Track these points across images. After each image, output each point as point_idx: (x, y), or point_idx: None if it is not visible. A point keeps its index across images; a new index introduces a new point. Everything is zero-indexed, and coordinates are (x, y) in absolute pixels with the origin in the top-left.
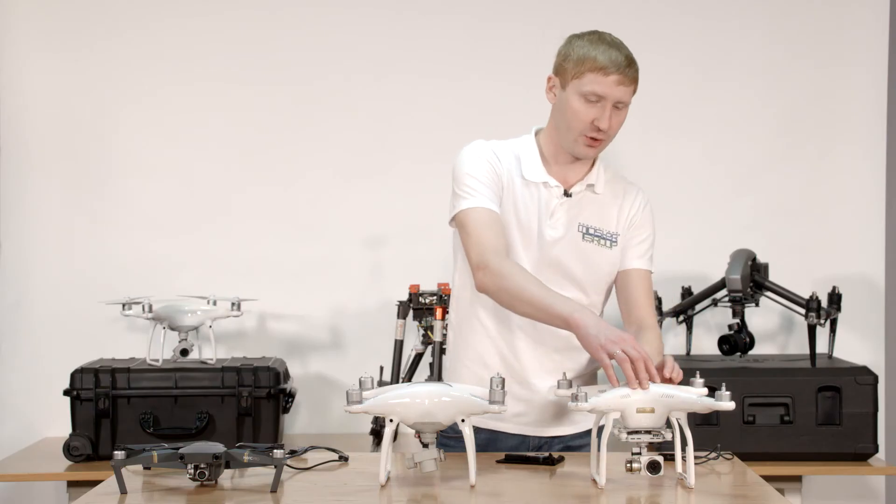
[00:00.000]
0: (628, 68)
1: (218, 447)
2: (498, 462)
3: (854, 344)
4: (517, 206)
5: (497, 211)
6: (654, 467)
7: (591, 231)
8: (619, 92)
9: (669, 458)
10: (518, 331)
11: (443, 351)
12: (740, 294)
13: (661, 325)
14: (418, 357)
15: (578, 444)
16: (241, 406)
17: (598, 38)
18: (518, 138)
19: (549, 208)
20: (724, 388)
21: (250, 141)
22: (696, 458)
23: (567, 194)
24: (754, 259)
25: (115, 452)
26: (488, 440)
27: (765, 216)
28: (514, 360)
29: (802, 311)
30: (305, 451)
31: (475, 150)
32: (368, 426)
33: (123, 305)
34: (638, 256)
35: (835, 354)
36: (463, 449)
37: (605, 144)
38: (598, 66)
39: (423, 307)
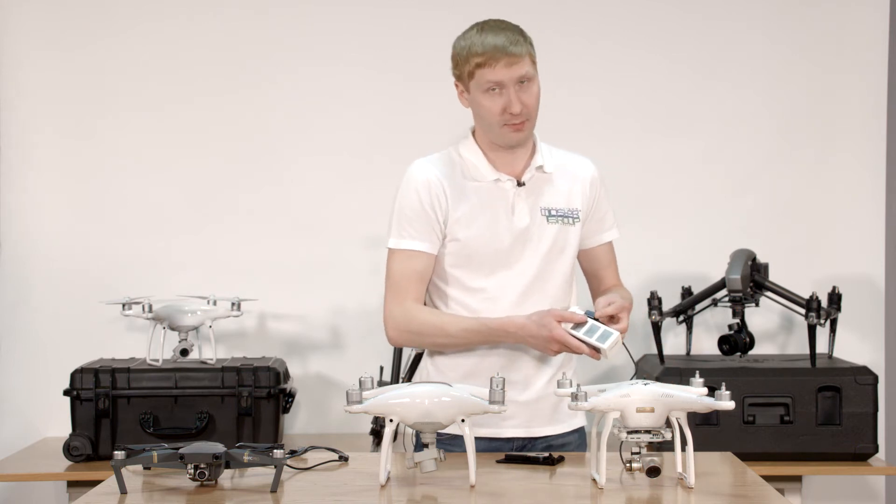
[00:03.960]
0: (512, 47)
1: (218, 447)
2: (498, 462)
3: (854, 344)
4: (480, 208)
5: (423, 248)
6: (652, 472)
7: (554, 212)
8: (513, 72)
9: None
10: None
11: None
12: (740, 294)
13: (661, 326)
14: (418, 357)
15: (561, 443)
16: (241, 406)
17: (476, 30)
18: (458, 144)
19: (509, 202)
20: (723, 387)
21: (251, 141)
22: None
23: (520, 184)
24: (754, 259)
25: (115, 452)
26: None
27: (765, 216)
28: (497, 362)
29: (802, 311)
30: (305, 451)
31: (409, 183)
32: (368, 426)
33: (123, 305)
34: (607, 229)
35: (835, 354)
36: (461, 449)
37: (532, 123)
38: (482, 61)
39: None
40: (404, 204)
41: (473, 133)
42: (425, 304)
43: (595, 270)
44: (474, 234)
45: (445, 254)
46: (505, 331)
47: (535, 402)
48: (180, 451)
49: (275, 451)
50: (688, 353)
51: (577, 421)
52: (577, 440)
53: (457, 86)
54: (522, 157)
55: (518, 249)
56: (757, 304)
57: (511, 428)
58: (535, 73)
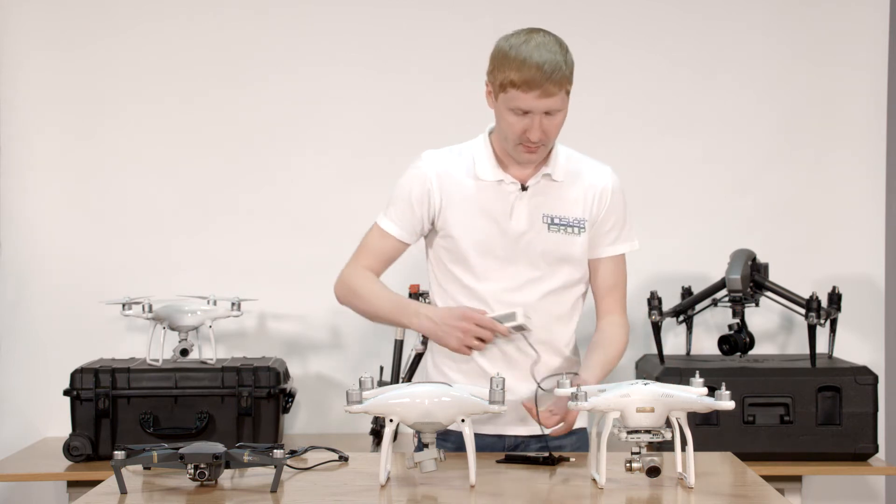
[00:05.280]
0: (551, 78)
1: (218, 447)
2: (498, 462)
3: (854, 344)
4: (478, 207)
5: (395, 233)
6: (652, 472)
7: (557, 221)
8: (544, 104)
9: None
10: None
11: None
12: (740, 294)
13: (661, 326)
14: (418, 357)
15: (557, 444)
16: (241, 406)
17: (524, 41)
18: (473, 139)
19: (509, 205)
20: (723, 387)
21: (251, 141)
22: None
23: (524, 188)
24: (754, 259)
25: (115, 452)
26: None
27: (765, 216)
28: (486, 363)
29: (802, 311)
30: (305, 451)
31: (410, 171)
32: (368, 426)
33: (123, 305)
34: (608, 244)
35: (835, 354)
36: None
37: (547, 148)
38: (518, 82)
39: None
40: (400, 187)
41: (490, 133)
42: (433, 295)
43: (595, 287)
44: (465, 232)
45: (442, 248)
46: (416, 311)
47: (514, 400)
48: (180, 451)
49: (275, 451)
50: (688, 353)
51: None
52: (574, 442)
53: (487, 84)
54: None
55: (512, 254)
56: (757, 304)
57: (503, 426)
58: (565, 103)
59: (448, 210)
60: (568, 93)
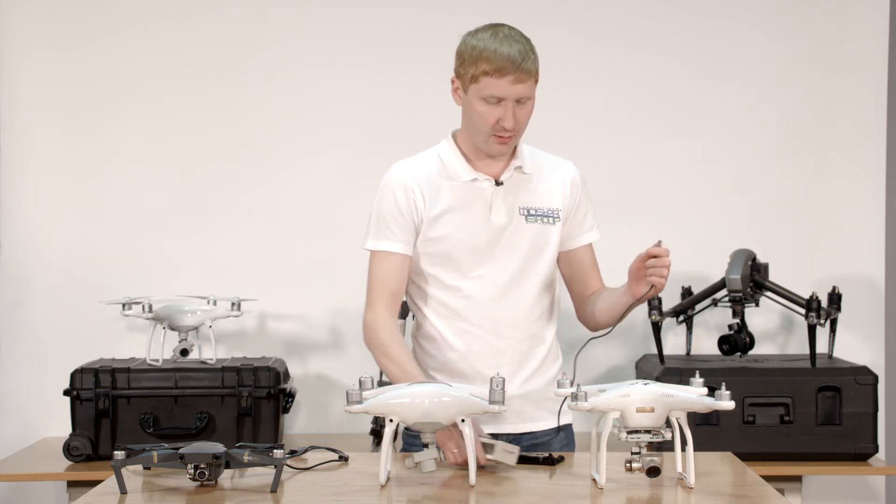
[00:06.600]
0: (522, 65)
1: (218, 447)
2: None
3: (854, 344)
4: (457, 208)
5: (401, 249)
6: (652, 472)
7: (533, 212)
8: (517, 90)
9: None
10: (474, 329)
11: None
12: (740, 294)
13: (661, 326)
14: None
15: (546, 440)
16: (241, 406)
17: (491, 34)
18: (437, 146)
19: (487, 201)
20: (723, 387)
21: (251, 141)
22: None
23: (498, 183)
24: (754, 259)
25: (115, 452)
26: None
27: (765, 216)
28: (476, 360)
29: (802, 311)
30: (305, 451)
31: (387, 185)
32: (368, 426)
33: (123, 305)
34: (585, 231)
35: (835, 354)
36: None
37: (517, 139)
38: (491, 70)
39: None
40: (382, 207)
41: (454, 135)
42: (406, 305)
43: (579, 274)
44: (450, 232)
45: (423, 253)
46: None
47: (516, 399)
48: (180, 451)
49: (275, 451)
50: (688, 353)
51: (560, 419)
52: (562, 439)
53: (453, 81)
54: (501, 159)
55: (495, 248)
56: (757, 304)
57: (495, 424)
58: (533, 92)
59: (429, 213)
60: (536, 82)
